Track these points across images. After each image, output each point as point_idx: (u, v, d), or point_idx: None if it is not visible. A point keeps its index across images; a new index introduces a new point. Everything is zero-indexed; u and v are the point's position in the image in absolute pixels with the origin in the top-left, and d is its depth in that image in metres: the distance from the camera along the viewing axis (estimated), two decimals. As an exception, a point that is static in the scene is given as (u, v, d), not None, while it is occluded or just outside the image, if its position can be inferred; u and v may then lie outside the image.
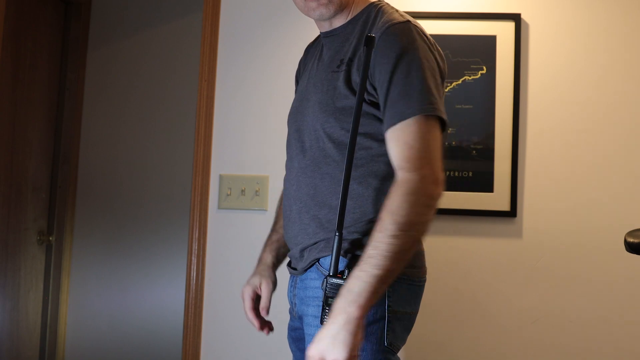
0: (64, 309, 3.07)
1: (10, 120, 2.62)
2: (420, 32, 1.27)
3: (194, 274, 2.22)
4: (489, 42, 2.19)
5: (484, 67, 2.19)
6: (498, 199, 2.16)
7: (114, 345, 3.10)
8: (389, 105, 1.21)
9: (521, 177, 2.17)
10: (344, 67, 1.28)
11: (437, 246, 2.15)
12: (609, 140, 2.17)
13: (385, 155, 1.24)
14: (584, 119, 2.18)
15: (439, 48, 1.32)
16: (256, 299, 1.46)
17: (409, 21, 1.26)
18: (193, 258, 2.22)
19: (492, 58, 2.19)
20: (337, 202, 1.21)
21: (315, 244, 1.28)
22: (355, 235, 1.24)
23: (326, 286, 1.18)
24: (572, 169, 2.17)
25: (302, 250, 1.31)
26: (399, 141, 1.19)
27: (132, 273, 3.15)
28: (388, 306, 1.22)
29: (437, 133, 1.21)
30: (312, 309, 1.25)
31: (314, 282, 1.27)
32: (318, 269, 1.27)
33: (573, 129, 2.18)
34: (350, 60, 1.28)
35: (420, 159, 1.16)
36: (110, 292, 3.14)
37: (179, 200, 3.09)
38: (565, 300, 2.14)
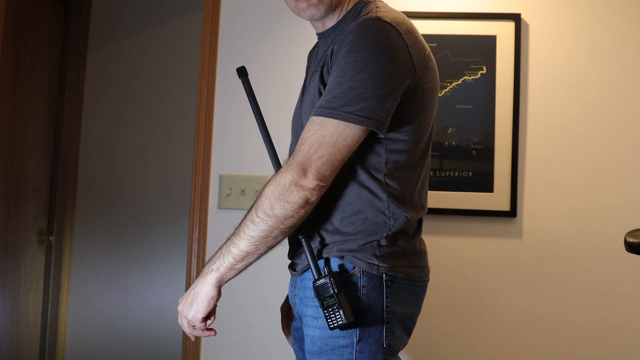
0: (64, 309, 3.07)
1: (10, 120, 2.62)
2: (393, 30, 1.19)
3: (194, 274, 2.22)
4: (489, 42, 2.19)
5: (484, 67, 2.19)
6: (498, 199, 2.16)
7: (114, 345, 3.10)
8: (322, 95, 1.20)
9: (521, 177, 2.17)
10: (321, 66, 1.27)
11: (437, 246, 2.15)
12: (609, 140, 2.17)
13: (361, 154, 1.21)
14: (584, 119, 2.18)
15: (424, 45, 1.26)
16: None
17: (378, 18, 1.19)
18: (193, 258, 2.22)
19: (492, 58, 2.18)
20: (326, 204, 1.22)
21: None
22: (340, 236, 1.24)
23: (315, 292, 1.19)
24: (572, 169, 2.17)
25: (300, 253, 1.31)
26: (303, 132, 1.17)
27: (132, 273, 3.15)
28: (386, 307, 1.21)
29: (342, 139, 1.14)
30: (311, 310, 1.25)
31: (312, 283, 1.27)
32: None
33: (573, 129, 2.18)
34: (327, 58, 1.26)
35: (300, 159, 1.13)
36: (110, 292, 3.14)
37: (179, 200, 3.09)
38: (565, 300, 2.14)
